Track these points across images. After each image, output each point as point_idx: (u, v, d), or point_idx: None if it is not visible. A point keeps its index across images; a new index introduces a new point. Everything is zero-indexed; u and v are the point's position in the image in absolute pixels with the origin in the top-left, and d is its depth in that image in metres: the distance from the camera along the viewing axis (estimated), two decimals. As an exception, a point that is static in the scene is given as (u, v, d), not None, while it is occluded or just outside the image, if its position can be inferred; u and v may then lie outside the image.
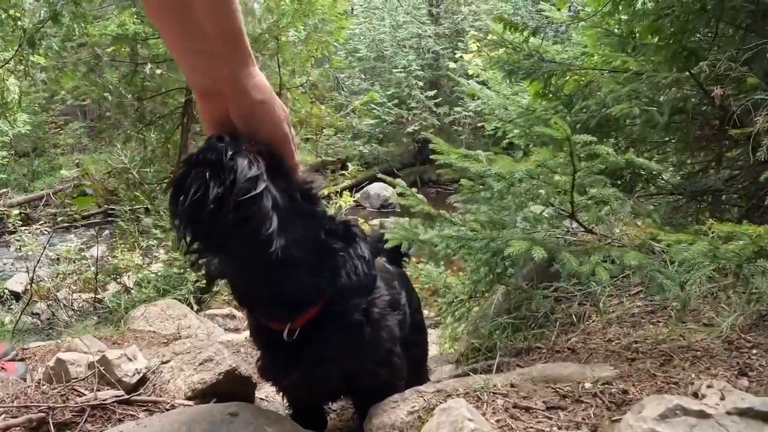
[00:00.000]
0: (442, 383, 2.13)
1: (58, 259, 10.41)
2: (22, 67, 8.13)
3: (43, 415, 2.20)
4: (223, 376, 2.66)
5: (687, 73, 3.25)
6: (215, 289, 8.04)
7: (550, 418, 1.74)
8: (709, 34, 3.47)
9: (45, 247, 10.04)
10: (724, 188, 3.55)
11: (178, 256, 8.53)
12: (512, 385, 1.97)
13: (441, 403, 1.84)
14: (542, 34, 4.35)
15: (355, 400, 2.49)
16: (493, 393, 1.93)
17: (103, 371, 2.50)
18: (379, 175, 5.14)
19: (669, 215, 3.59)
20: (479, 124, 20.41)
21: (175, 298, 6.93)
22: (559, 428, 1.68)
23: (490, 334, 3.15)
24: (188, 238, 1.62)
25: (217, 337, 5.30)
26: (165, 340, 4.73)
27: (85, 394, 2.41)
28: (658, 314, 2.79)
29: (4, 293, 10.42)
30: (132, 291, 8.46)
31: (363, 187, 18.76)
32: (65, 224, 12.45)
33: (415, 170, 22.41)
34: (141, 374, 2.55)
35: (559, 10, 4.62)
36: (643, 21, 3.62)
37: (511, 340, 2.86)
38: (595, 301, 3.00)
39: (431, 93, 21.55)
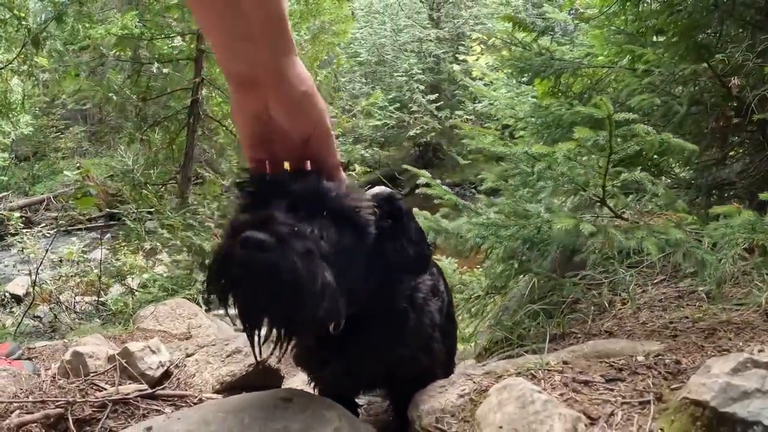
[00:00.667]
0: (490, 365, 2.09)
1: (60, 261, 10.40)
2: (26, 67, 8.12)
3: (61, 410, 2.10)
4: (253, 367, 2.61)
5: (704, 64, 3.24)
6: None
7: (612, 390, 1.72)
8: (718, 32, 3.47)
9: (47, 250, 10.02)
10: (737, 180, 3.55)
11: (183, 257, 8.52)
12: (565, 362, 1.94)
13: (493, 384, 1.81)
14: (551, 34, 4.36)
15: (392, 391, 2.44)
16: (548, 370, 1.90)
17: (125, 364, 2.42)
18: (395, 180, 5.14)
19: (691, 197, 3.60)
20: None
21: (184, 298, 6.90)
22: (624, 398, 1.66)
23: (516, 324, 3.13)
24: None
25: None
26: (175, 340, 4.69)
27: (105, 389, 2.32)
28: (686, 299, 2.78)
29: (5, 296, 10.41)
30: (137, 293, 8.45)
31: (365, 191, 18.74)
32: (67, 227, 12.43)
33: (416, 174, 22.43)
34: (165, 367, 2.49)
35: (562, 11, 4.64)
36: (650, 19, 3.63)
37: (543, 327, 2.83)
38: (621, 289, 2.99)
39: (432, 97, 21.55)
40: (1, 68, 7.99)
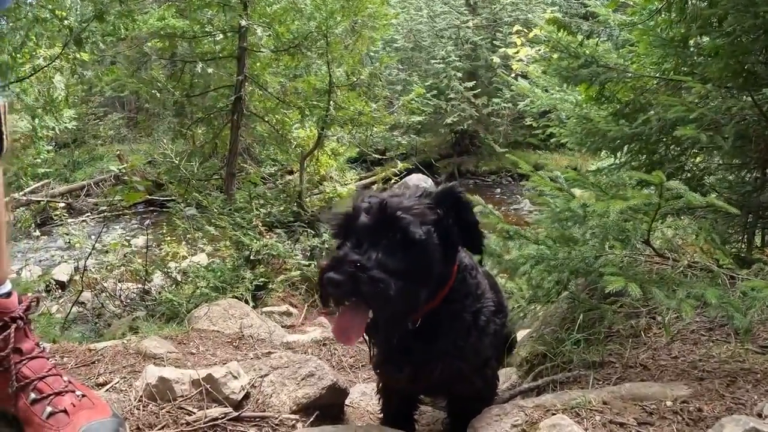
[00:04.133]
0: (540, 399, 2.28)
1: (106, 252, 10.59)
2: (69, 65, 8.28)
3: None
4: (326, 390, 2.84)
5: (749, 98, 3.31)
6: (271, 286, 8.21)
7: (643, 433, 1.91)
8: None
9: (96, 239, 10.22)
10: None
11: (232, 252, 8.68)
12: (605, 402, 2.13)
13: (542, 417, 2.01)
14: (597, 38, 4.38)
15: (449, 406, 2.67)
16: (590, 410, 2.08)
17: (210, 389, 2.63)
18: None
19: (723, 230, 3.65)
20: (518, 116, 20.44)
21: (234, 296, 7.08)
22: (652, 442, 1.85)
23: (558, 342, 3.27)
24: None
25: (280, 337, 5.42)
26: (229, 340, 4.86)
27: (193, 413, 2.49)
28: (717, 332, 2.94)
29: (50, 283, 10.62)
30: (182, 284, 8.59)
31: (402, 178, 18.76)
32: (112, 214, 12.63)
33: (452, 161, 22.41)
34: (245, 390, 2.68)
35: (607, 9, 4.61)
36: (693, 23, 3.65)
37: (584, 354, 2.97)
38: (655, 313, 3.13)
39: (470, 84, 21.40)
40: (44, 66, 8.15)
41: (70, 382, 2.30)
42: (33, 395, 2.19)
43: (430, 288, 2.11)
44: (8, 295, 2.33)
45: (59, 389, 2.24)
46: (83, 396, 2.27)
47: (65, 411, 2.16)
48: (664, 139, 3.88)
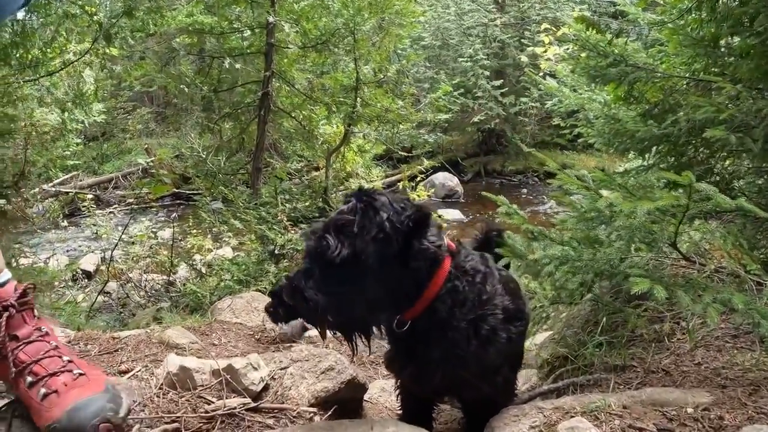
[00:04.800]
0: (559, 401, 2.27)
1: (133, 243, 10.70)
2: (98, 60, 8.35)
3: (177, 425, 2.31)
4: (345, 384, 2.86)
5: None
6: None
7: (662, 440, 1.89)
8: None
9: (123, 231, 10.34)
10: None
11: (257, 246, 8.74)
12: (625, 407, 2.11)
13: (561, 419, 2.00)
14: (626, 37, 4.33)
15: (463, 407, 2.69)
16: (609, 413, 2.06)
17: (230, 379, 2.65)
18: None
19: (751, 235, 3.61)
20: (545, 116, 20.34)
21: (257, 290, 7.12)
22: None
23: (580, 345, 3.25)
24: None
25: (301, 331, 5.44)
26: (251, 332, 4.89)
27: (213, 402, 2.52)
28: (741, 339, 2.89)
29: (77, 272, 10.75)
30: (207, 277, 8.66)
31: (428, 176, 18.71)
32: (139, 206, 12.76)
33: (479, 160, 22.34)
34: (265, 382, 2.70)
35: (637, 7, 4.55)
36: (724, 23, 3.60)
37: (606, 357, 2.95)
38: (679, 318, 3.10)
39: (497, 83, 21.30)
40: (74, 61, 8.22)
41: (70, 362, 2.31)
42: (29, 378, 2.22)
43: (380, 298, 2.17)
44: (2, 284, 2.37)
45: (55, 370, 2.25)
46: (81, 374, 2.28)
47: (56, 391, 2.17)
48: (693, 141, 3.84)
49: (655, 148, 4.03)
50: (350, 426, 2.22)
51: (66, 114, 8.51)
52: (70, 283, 10.15)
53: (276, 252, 8.47)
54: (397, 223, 2.07)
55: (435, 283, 2.20)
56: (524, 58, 19.94)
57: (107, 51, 8.24)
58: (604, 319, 3.09)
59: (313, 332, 5.49)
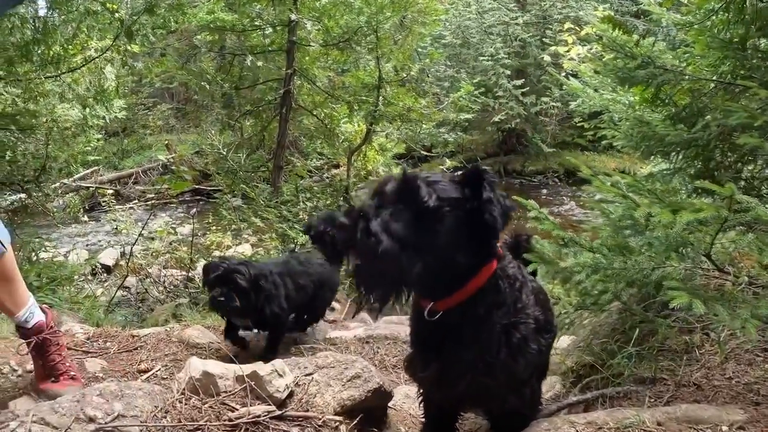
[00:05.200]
0: (592, 415, 2.21)
1: (152, 238, 10.73)
2: (119, 56, 8.38)
3: None
4: (372, 393, 2.83)
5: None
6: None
7: (696, 458, 1.83)
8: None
9: (143, 226, 10.36)
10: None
11: (277, 244, 8.73)
12: (659, 423, 2.06)
13: None
14: (654, 38, 4.26)
15: (489, 419, 2.63)
16: (644, 430, 2.00)
17: (254, 386, 2.61)
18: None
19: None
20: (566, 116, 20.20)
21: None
22: (705, 468, 1.77)
23: (607, 354, 3.20)
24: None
25: (323, 332, 5.41)
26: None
27: (236, 409, 2.49)
28: (773, 351, 2.83)
29: (96, 266, 10.80)
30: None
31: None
32: (159, 202, 12.81)
33: (499, 160, 22.21)
34: (290, 389, 2.66)
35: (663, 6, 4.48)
36: (753, 24, 3.53)
37: (635, 368, 2.90)
38: (708, 330, 3.03)
39: (518, 82, 21.14)
40: (95, 58, 8.25)
41: None
42: None
43: (434, 268, 2.05)
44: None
45: None
46: None
47: None
48: (721, 146, 3.78)
49: (683, 152, 3.97)
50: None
51: (87, 110, 8.55)
52: (89, 277, 10.19)
53: (296, 251, 8.45)
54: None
55: (480, 277, 2.16)
56: (547, 58, 19.80)
57: (128, 48, 8.27)
58: (636, 329, 3.04)
59: (335, 333, 5.46)
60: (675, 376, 2.74)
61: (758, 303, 2.33)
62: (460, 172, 2.18)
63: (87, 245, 12.97)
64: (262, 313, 4.56)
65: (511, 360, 2.20)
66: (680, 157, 4.02)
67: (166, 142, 20.24)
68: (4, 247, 3.00)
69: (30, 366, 3.63)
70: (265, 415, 2.42)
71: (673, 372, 2.78)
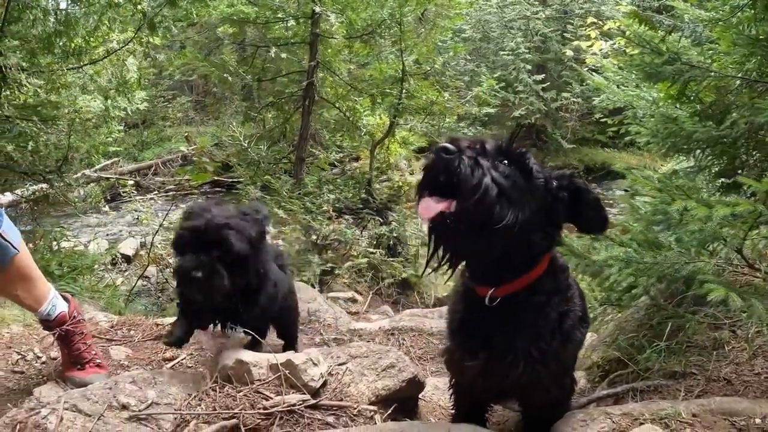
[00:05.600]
0: (627, 406, 2.23)
1: (173, 228, 10.76)
2: (142, 48, 8.43)
3: (235, 421, 2.31)
4: (406, 383, 2.84)
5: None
6: (337, 272, 8.27)
7: (732, 449, 1.85)
8: None
9: (164, 217, 10.43)
10: None
11: (299, 236, 8.76)
12: (694, 415, 2.09)
13: (630, 426, 1.98)
14: (681, 34, 4.23)
15: (524, 411, 2.62)
16: (679, 422, 2.02)
17: (288, 375, 2.62)
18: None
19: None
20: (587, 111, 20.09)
21: (300, 280, 7.14)
22: (740, 458, 1.79)
23: (635, 349, 3.20)
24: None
25: (346, 323, 5.42)
26: (300, 328, 4.89)
27: (270, 398, 2.51)
28: (802, 346, 2.84)
29: (116, 256, 10.88)
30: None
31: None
32: (179, 192, 12.88)
33: (518, 155, 22.06)
34: (324, 378, 2.68)
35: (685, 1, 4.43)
36: None
37: (665, 363, 2.90)
38: (735, 326, 3.04)
39: (539, 77, 21.02)
40: (117, 50, 8.30)
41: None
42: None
43: (516, 238, 1.99)
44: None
45: None
46: None
47: None
48: (746, 144, 3.76)
49: (709, 149, 3.95)
50: (428, 429, 2.18)
51: (109, 101, 8.60)
52: (109, 267, 10.26)
53: (318, 242, 8.48)
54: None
55: (542, 264, 2.17)
56: (569, 52, 19.70)
57: (151, 40, 8.31)
58: (667, 324, 3.04)
59: (359, 325, 5.47)
60: (705, 371, 2.76)
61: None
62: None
63: (107, 235, 13.07)
64: (254, 301, 3.18)
65: (562, 348, 2.21)
66: (705, 154, 4.00)
67: (186, 134, 20.33)
68: (16, 248, 2.97)
69: (54, 353, 3.67)
70: (300, 404, 2.44)
71: (703, 367, 2.80)
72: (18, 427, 2.24)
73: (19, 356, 3.69)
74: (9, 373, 3.51)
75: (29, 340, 3.93)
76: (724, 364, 2.77)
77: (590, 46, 15.12)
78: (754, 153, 3.88)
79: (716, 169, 4.04)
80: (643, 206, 3.23)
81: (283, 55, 10.38)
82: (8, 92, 6.84)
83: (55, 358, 3.65)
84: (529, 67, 21.05)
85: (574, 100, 20.28)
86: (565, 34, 21.31)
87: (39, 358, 3.73)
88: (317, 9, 9.65)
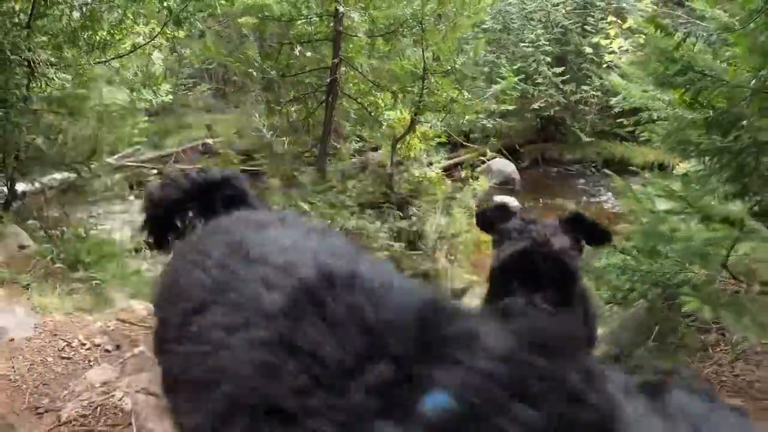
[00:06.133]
0: None
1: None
2: (167, 43, 8.59)
3: None
4: None
5: None
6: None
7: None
8: None
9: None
10: None
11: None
12: None
13: None
14: (696, 39, 4.30)
15: None
16: None
17: None
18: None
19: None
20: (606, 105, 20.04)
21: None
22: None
23: (632, 347, 3.39)
24: None
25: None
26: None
27: None
28: (778, 354, 3.06)
29: (141, 244, 11.07)
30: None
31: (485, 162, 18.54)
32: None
33: (536, 147, 22.06)
34: None
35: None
36: None
37: (655, 361, 3.11)
38: (723, 331, 3.25)
39: (559, 69, 20.94)
40: (144, 44, 8.47)
41: None
42: None
43: None
44: None
45: None
46: None
47: None
48: (755, 153, 3.85)
49: (716, 158, 4.08)
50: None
51: (134, 94, 8.79)
52: (133, 254, 10.46)
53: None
54: None
55: None
56: (588, 49, 19.67)
57: (176, 35, 8.48)
58: (657, 326, 3.23)
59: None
60: (689, 371, 2.96)
61: (761, 311, 2.51)
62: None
63: (131, 222, 13.28)
64: None
65: None
66: (714, 161, 4.13)
67: (207, 123, 20.48)
68: None
69: (97, 339, 3.90)
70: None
71: (688, 367, 3.00)
72: (99, 409, 2.43)
73: (65, 343, 3.91)
74: (57, 359, 3.73)
75: (72, 328, 4.15)
76: (708, 365, 2.98)
77: (610, 43, 15.11)
78: (761, 161, 3.99)
79: (724, 175, 4.15)
80: (644, 215, 3.37)
81: (308, 54, 10.54)
82: (35, 85, 7.05)
83: (99, 345, 3.87)
84: (548, 59, 20.96)
85: (594, 93, 20.20)
86: (585, 27, 21.21)
87: (84, 345, 3.94)
88: (341, 8, 9.81)
